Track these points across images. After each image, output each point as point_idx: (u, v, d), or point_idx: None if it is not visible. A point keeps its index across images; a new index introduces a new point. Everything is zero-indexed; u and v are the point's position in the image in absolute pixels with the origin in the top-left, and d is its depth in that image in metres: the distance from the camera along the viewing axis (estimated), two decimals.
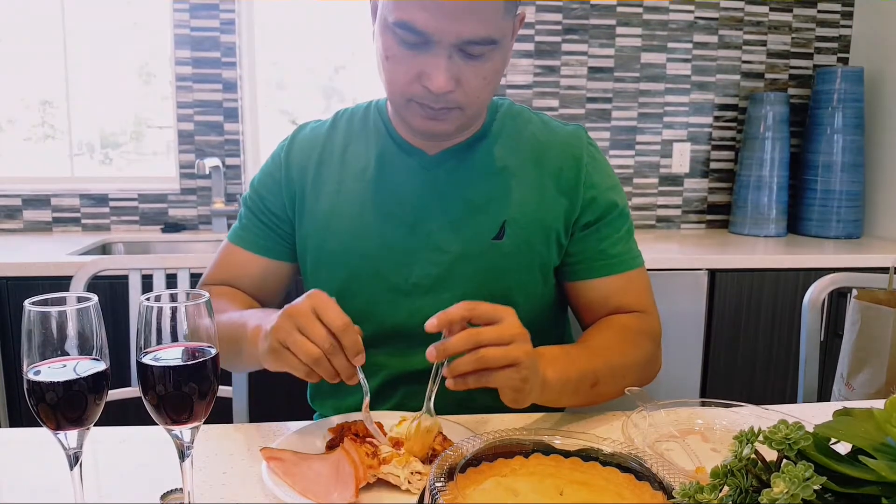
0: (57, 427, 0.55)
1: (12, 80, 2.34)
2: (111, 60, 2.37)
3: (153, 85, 2.43)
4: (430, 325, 0.68)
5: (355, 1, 2.40)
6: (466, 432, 0.76)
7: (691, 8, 2.43)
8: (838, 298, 1.91)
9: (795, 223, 2.44)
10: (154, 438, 0.79)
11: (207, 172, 2.25)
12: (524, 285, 0.92)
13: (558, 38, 2.40)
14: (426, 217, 0.90)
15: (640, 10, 2.41)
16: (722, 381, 2.02)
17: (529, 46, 2.39)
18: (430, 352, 0.68)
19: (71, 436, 0.56)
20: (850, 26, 2.51)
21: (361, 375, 0.70)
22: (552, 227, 0.91)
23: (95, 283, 1.30)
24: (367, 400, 0.72)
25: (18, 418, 1.78)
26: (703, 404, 0.81)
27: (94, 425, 0.57)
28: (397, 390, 0.94)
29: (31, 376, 0.54)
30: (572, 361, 0.80)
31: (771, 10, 2.47)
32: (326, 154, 0.95)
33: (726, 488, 0.45)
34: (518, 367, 0.68)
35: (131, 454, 0.77)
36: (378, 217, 0.91)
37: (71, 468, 0.57)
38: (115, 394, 1.28)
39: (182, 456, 0.58)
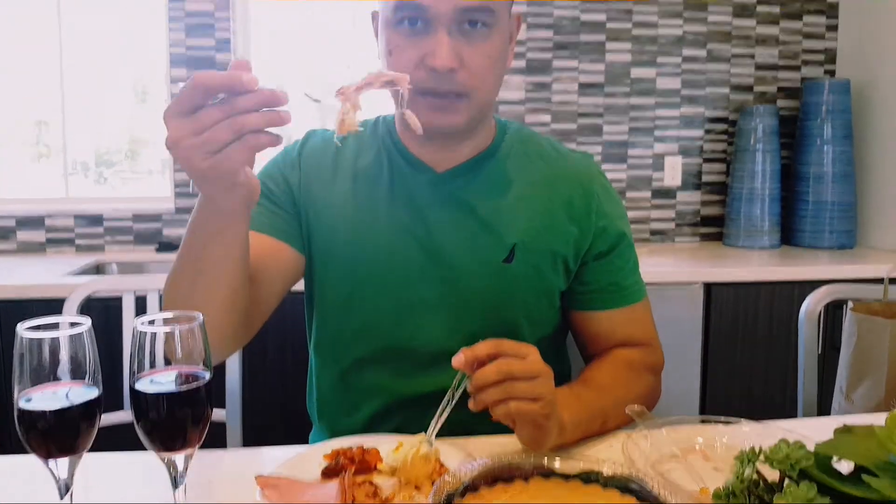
0: (48, 455, 0.54)
1: (7, 100, 2.33)
2: (106, 79, 2.37)
3: (148, 103, 2.43)
4: (458, 360, 0.67)
5: (349, 18, 2.42)
6: (464, 455, 0.75)
7: (679, 22, 2.46)
8: (834, 310, 1.91)
9: (789, 234, 2.45)
10: (147, 465, 0.77)
11: None
12: (530, 309, 0.92)
13: (549, 55, 2.41)
14: (437, 233, 0.89)
15: (629, 25, 2.44)
16: (721, 395, 2.01)
17: (521, 63, 2.40)
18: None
19: (62, 464, 0.55)
20: (835, 38, 2.55)
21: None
22: (560, 253, 0.91)
23: (89, 305, 1.28)
24: None
25: (8, 443, 1.75)
26: (703, 422, 0.81)
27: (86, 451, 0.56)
28: (398, 414, 0.92)
29: (22, 404, 0.53)
30: (583, 404, 0.81)
31: (758, 23, 2.50)
32: (338, 164, 0.93)
33: None
34: (542, 402, 0.68)
35: (123, 481, 0.76)
36: (387, 231, 0.89)
37: (61, 497, 0.56)
38: (108, 418, 1.26)
39: (175, 483, 0.57)
